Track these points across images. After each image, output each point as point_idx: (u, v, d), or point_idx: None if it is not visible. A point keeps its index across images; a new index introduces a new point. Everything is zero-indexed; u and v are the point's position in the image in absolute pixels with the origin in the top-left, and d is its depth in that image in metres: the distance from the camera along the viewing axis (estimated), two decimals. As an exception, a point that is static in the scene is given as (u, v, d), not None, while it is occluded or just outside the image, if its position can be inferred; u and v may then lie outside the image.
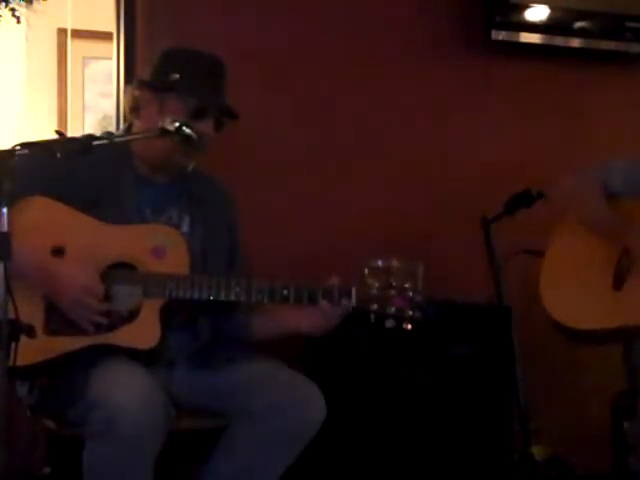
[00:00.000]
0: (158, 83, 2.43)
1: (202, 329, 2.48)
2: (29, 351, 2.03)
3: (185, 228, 2.48)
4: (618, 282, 2.78)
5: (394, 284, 2.26)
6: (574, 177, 2.91)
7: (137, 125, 2.47)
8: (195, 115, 2.38)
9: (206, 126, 2.39)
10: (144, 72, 2.55)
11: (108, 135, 2.43)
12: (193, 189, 2.53)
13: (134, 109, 2.46)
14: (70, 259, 2.30)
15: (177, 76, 2.40)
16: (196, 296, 2.30)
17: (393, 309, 2.26)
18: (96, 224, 2.35)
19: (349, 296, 2.30)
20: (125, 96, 2.53)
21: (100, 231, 2.34)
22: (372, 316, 2.28)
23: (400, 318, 2.26)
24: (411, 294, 2.25)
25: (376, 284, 2.27)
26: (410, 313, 2.26)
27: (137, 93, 2.46)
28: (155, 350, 2.29)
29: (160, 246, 2.35)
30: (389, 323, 2.27)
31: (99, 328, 2.28)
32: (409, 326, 2.26)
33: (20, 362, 1.95)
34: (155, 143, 2.36)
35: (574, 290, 2.82)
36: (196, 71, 2.42)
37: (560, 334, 2.87)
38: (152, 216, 2.45)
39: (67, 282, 2.25)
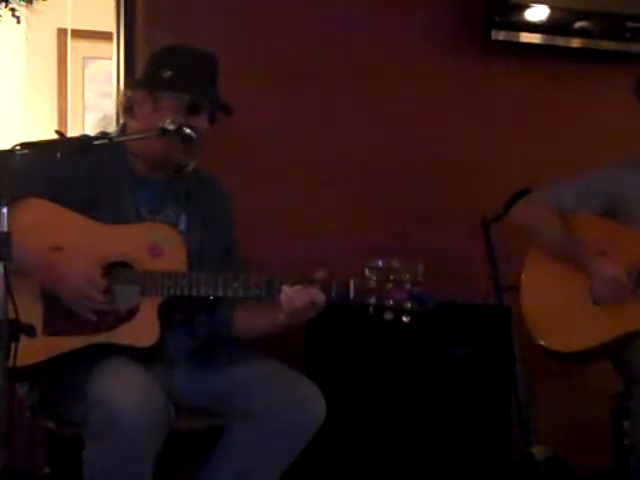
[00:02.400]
0: (151, 81, 2.43)
1: (199, 327, 2.48)
2: (29, 351, 2.03)
3: (182, 226, 2.48)
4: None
5: (392, 278, 2.26)
6: (525, 202, 2.96)
7: (132, 125, 2.46)
8: (190, 111, 2.38)
9: (201, 121, 2.39)
10: (137, 73, 2.55)
11: (102, 135, 2.42)
12: (190, 187, 2.53)
13: (128, 109, 2.46)
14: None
15: (169, 73, 2.40)
16: (194, 293, 2.30)
17: (391, 301, 2.25)
18: (92, 224, 2.35)
19: (346, 289, 2.29)
20: (118, 97, 2.53)
21: (96, 231, 2.35)
22: (370, 309, 2.28)
23: (399, 310, 2.25)
24: (409, 286, 2.25)
25: (374, 277, 2.27)
26: (408, 305, 2.25)
27: (130, 93, 2.46)
28: (154, 348, 2.29)
29: (157, 244, 2.35)
30: (388, 315, 2.26)
31: (99, 326, 2.29)
32: (408, 318, 2.26)
33: (20, 363, 1.95)
34: (153, 142, 2.37)
35: (559, 315, 2.85)
36: (188, 67, 2.42)
37: (556, 362, 2.92)
38: (149, 215, 2.45)
39: (68, 272, 2.25)
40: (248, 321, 2.48)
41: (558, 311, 2.85)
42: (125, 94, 2.49)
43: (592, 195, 2.90)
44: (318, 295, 2.27)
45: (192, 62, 2.44)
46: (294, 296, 2.26)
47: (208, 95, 2.42)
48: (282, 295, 2.27)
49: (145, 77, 2.47)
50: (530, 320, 2.87)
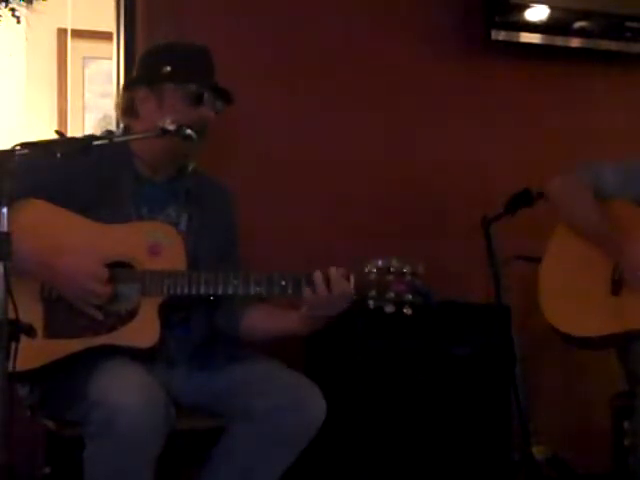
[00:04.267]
0: (152, 77, 2.44)
1: (196, 326, 2.47)
2: (30, 355, 2.03)
3: (182, 226, 2.48)
4: (616, 287, 2.78)
5: (392, 270, 2.25)
6: (563, 179, 2.90)
7: (136, 125, 2.46)
8: (195, 101, 2.40)
9: (207, 110, 2.42)
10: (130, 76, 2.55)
11: (108, 134, 2.43)
12: (192, 187, 2.53)
13: (130, 110, 2.47)
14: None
15: (169, 68, 2.42)
16: (194, 292, 2.30)
17: (392, 294, 2.24)
18: (91, 225, 2.35)
19: (347, 282, 2.27)
20: (117, 99, 2.53)
21: (95, 231, 2.35)
22: (371, 302, 2.27)
23: (400, 303, 2.25)
24: (410, 278, 2.24)
25: (374, 270, 2.26)
26: (409, 297, 2.24)
27: (132, 93, 2.46)
28: (155, 348, 2.29)
29: (156, 243, 2.35)
30: (389, 308, 2.25)
31: (99, 327, 2.29)
32: (409, 311, 2.25)
33: (21, 366, 1.95)
34: (156, 142, 2.37)
35: (573, 298, 2.81)
36: (185, 59, 2.45)
37: (561, 340, 2.88)
38: (149, 215, 2.45)
39: (72, 270, 2.25)
40: (261, 323, 2.47)
41: (574, 293, 2.80)
42: (124, 95, 2.49)
43: (636, 184, 2.84)
44: (345, 284, 2.25)
45: (188, 54, 2.47)
46: (318, 285, 2.26)
47: (210, 85, 2.44)
48: (307, 289, 2.27)
49: (144, 75, 2.48)
50: (543, 296, 2.83)
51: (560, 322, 2.80)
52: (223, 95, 2.48)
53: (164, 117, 2.31)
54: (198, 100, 2.41)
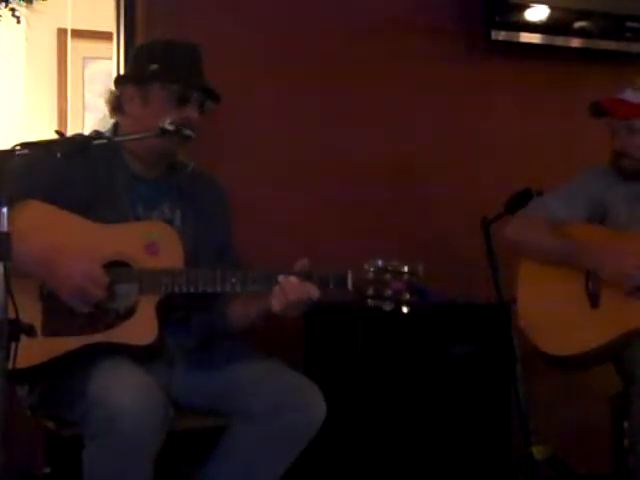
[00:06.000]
0: (138, 76, 2.44)
1: (196, 325, 2.47)
2: (28, 353, 2.03)
3: (177, 223, 2.49)
4: (594, 300, 2.81)
5: (390, 268, 2.26)
6: (515, 221, 2.98)
7: (124, 122, 2.47)
8: (179, 101, 2.40)
9: (192, 111, 2.41)
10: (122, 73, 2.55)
11: (97, 134, 2.44)
12: (185, 184, 2.53)
13: (117, 107, 2.48)
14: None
15: (156, 66, 2.42)
16: (192, 290, 2.30)
17: (390, 292, 2.25)
18: (89, 225, 2.35)
19: (344, 280, 2.29)
20: (106, 96, 2.53)
21: (93, 231, 2.35)
22: (370, 301, 2.27)
23: (397, 301, 2.25)
24: (408, 277, 2.25)
25: (372, 269, 2.27)
26: (407, 296, 2.25)
27: (118, 91, 2.47)
28: (153, 346, 2.29)
29: (153, 242, 2.35)
30: (387, 306, 2.26)
31: (98, 325, 2.29)
32: (407, 309, 2.25)
33: (20, 365, 1.95)
34: (150, 140, 2.37)
35: (557, 322, 2.84)
36: (173, 58, 2.45)
37: (556, 368, 2.92)
38: (144, 212, 2.46)
39: (70, 271, 2.24)
40: (242, 311, 2.47)
41: (556, 317, 2.84)
42: (113, 92, 2.50)
43: (580, 201, 2.91)
44: (313, 290, 2.27)
45: (177, 53, 2.47)
46: (289, 289, 2.27)
47: (196, 84, 2.44)
48: (277, 287, 2.27)
49: (132, 73, 2.49)
50: (530, 331, 2.86)
51: (553, 348, 2.82)
52: (210, 95, 2.47)
53: (148, 116, 2.34)
54: (183, 101, 2.40)
